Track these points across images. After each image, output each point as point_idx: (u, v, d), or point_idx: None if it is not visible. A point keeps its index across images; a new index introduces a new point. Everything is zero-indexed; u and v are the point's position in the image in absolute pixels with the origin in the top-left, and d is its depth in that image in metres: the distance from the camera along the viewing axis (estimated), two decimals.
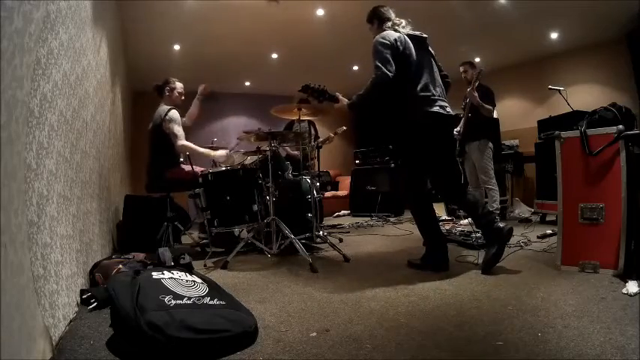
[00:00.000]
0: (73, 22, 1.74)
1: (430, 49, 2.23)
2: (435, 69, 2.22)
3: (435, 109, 2.07)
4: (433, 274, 2.05)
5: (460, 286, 1.81)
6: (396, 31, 2.15)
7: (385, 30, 2.17)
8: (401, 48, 2.07)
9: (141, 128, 3.90)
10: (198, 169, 3.00)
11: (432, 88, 2.10)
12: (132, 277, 1.32)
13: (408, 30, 2.20)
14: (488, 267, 2.00)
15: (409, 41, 2.12)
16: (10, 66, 0.95)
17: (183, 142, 2.89)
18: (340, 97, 2.28)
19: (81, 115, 1.89)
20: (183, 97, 3.11)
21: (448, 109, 2.13)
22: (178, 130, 2.89)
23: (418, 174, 2.19)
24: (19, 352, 0.89)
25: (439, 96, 2.13)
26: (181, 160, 3.07)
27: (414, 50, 2.11)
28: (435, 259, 2.15)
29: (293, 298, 1.72)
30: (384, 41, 2.07)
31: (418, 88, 2.07)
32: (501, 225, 2.03)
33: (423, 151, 2.12)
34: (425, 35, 2.22)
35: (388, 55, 2.03)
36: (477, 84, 3.60)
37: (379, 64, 2.02)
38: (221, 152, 3.01)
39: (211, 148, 3.41)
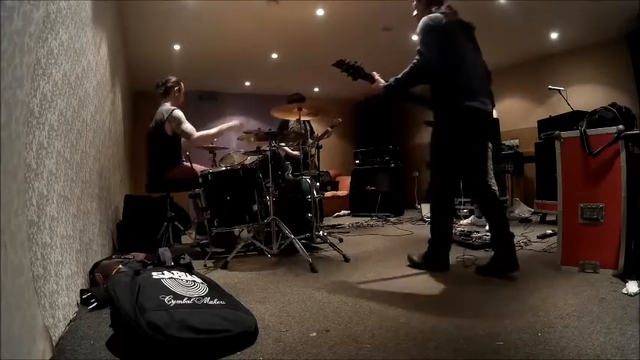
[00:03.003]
0: (73, 22, 1.74)
1: (476, 40, 2.08)
2: (480, 61, 2.08)
3: (476, 104, 1.93)
4: (433, 274, 2.05)
5: (460, 286, 1.81)
6: (444, 15, 1.98)
7: (433, 12, 2.00)
8: (449, 34, 1.92)
9: (141, 128, 3.90)
10: (199, 167, 3.00)
11: (474, 81, 1.97)
12: (132, 277, 1.32)
13: (457, 17, 2.05)
14: (483, 273, 1.99)
15: (458, 28, 1.98)
16: (10, 66, 0.95)
17: (195, 135, 2.90)
18: (377, 77, 2.12)
19: (81, 115, 1.89)
20: (184, 96, 3.12)
21: (489, 106, 2.01)
22: (187, 127, 2.89)
23: (452, 175, 2.10)
24: (19, 352, 0.89)
25: (481, 90, 1.99)
26: (183, 159, 3.07)
27: (461, 38, 1.98)
28: (437, 259, 2.12)
29: (293, 298, 1.72)
30: (432, 24, 1.92)
31: (461, 79, 1.94)
32: (514, 253, 1.92)
33: (458, 148, 2.00)
34: (474, 25, 2.07)
35: (434, 41, 1.89)
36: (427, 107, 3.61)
37: (422, 50, 1.89)
38: (232, 124, 3.05)
39: (211, 148, 3.41)
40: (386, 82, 2.06)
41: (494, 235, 2.02)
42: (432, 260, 2.14)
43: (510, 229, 1.97)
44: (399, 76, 1.97)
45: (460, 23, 2.02)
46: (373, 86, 2.13)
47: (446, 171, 2.09)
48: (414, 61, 1.92)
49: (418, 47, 1.92)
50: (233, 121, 3.09)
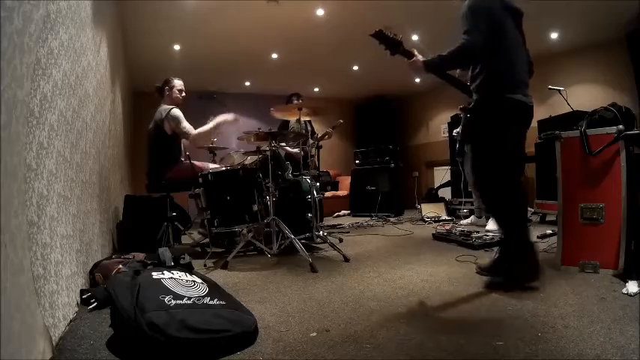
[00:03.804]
0: (73, 22, 1.73)
1: (522, 27, 1.94)
2: (525, 50, 1.94)
3: (518, 96, 1.80)
4: (433, 274, 2.05)
5: (460, 286, 1.81)
6: None
7: None
8: (497, 17, 1.78)
9: (141, 128, 3.90)
10: (199, 165, 2.99)
11: (519, 71, 1.84)
12: (132, 277, 1.32)
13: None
14: (483, 273, 1.98)
15: (507, 13, 1.84)
16: (10, 66, 0.95)
17: (193, 133, 2.90)
18: (416, 52, 1.95)
19: (81, 115, 1.89)
20: (184, 94, 3.11)
21: (531, 99, 1.87)
22: (185, 126, 2.89)
23: (499, 160, 1.86)
24: (19, 352, 0.89)
25: (524, 82, 1.86)
26: (182, 159, 3.07)
27: (509, 23, 1.83)
28: (523, 266, 1.76)
29: (293, 298, 1.72)
30: (481, 4, 1.77)
31: (505, 67, 1.81)
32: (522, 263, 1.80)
33: (497, 139, 1.84)
34: (522, 11, 1.93)
35: (482, 22, 1.75)
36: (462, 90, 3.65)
37: (471, 29, 1.74)
38: (226, 117, 3.04)
39: (211, 148, 3.42)
40: (425, 58, 1.91)
41: (507, 239, 1.87)
42: (516, 269, 1.79)
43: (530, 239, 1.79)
44: (444, 54, 1.81)
45: (508, 7, 1.87)
46: (411, 62, 1.95)
47: (494, 156, 1.86)
48: (462, 40, 1.76)
49: (465, 28, 1.77)
50: (228, 115, 3.05)
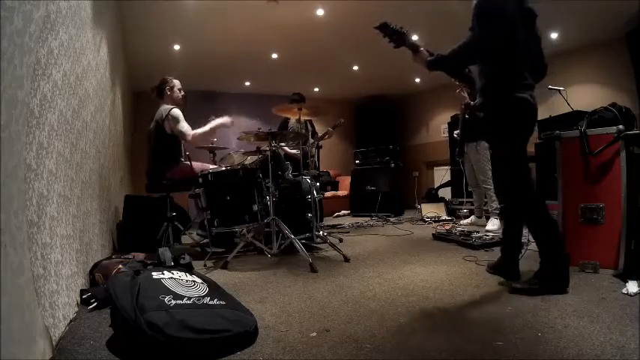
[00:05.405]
0: (73, 22, 1.74)
1: (536, 28, 1.88)
2: (535, 52, 1.88)
3: (525, 95, 1.75)
4: (433, 274, 2.05)
5: (460, 286, 1.81)
6: None
7: None
8: (507, 17, 1.71)
9: (141, 128, 3.91)
10: (199, 165, 2.99)
11: (526, 74, 1.79)
12: (132, 277, 1.32)
13: None
14: (490, 271, 2.01)
15: (517, 13, 1.76)
16: (10, 66, 0.95)
17: (191, 134, 2.91)
18: (422, 48, 1.89)
19: (81, 115, 1.89)
20: (183, 93, 3.12)
21: (536, 101, 1.81)
22: (183, 126, 2.90)
23: (519, 158, 1.84)
24: (19, 352, 0.89)
25: (531, 85, 1.80)
26: (182, 159, 3.07)
27: (519, 21, 1.76)
28: (554, 276, 1.65)
29: (293, 298, 1.72)
30: (491, 2, 1.72)
31: (513, 67, 1.76)
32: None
33: (515, 138, 1.81)
34: (536, 12, 1.86)
35: (490, 18, 1.69)
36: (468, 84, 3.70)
37: (481, 24, 1.69)
38: (223, 120, 3.06)
39: (211, 148, 3.42)
40: (431, 55, 1.86)
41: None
42: (551, 278, 1.67)
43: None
44: (448, 52, 1.77)
45: (520, 7, 1.79)
46: (416, 58, 1.91)
47: (519, 155, 1.85)
48: (468, 37, 1.73)
49: (472, 24, 1.75)
50: (225, 118, 3.09)
